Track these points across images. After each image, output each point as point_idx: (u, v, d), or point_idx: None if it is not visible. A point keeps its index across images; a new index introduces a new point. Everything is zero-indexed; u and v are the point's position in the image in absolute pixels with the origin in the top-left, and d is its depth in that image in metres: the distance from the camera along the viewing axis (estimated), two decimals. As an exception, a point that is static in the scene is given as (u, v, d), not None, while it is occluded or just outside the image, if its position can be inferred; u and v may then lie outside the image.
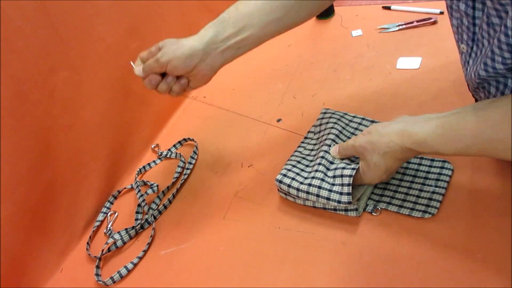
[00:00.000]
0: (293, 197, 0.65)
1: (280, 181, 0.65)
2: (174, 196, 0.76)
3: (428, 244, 0.55)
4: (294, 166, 0.67)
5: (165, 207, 0.75)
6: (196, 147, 0.84)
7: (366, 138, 0.58)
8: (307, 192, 0.61)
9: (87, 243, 0.72)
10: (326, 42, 1.05)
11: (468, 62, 0.58)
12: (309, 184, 0.62)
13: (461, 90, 0.73)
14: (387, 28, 0.98)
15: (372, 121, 0.70)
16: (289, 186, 0.63)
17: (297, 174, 0.65)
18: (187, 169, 0.80)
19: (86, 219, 0.77)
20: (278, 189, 0.67)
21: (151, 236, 0.69)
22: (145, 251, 0.68)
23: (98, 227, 0.76)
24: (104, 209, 0.78)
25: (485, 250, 0.52)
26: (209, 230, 0.68)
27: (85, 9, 0.73)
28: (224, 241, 0.65)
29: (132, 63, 0.66)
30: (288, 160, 0.69)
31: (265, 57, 1.07)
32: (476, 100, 0.63)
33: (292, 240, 0.62)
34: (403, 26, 0.97)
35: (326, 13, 1.14)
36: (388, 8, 1.07)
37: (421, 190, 0.61)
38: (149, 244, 0.69)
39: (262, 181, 0.72)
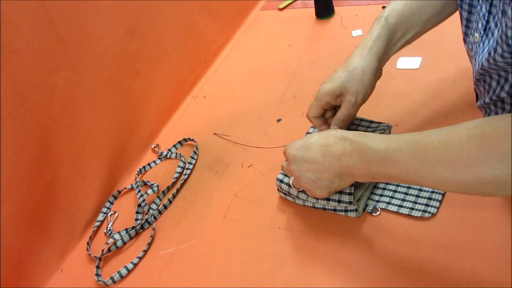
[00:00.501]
0: (293, 197, 0.65)
1: (281, 181, 0.65)
2: (174, 196, 0.76)
3: (428, 244, 0.55)
4: None
5: (165, 207, 0.75)
6: (196, 147, 0.84)
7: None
8: None
9: (87, 243, 0.72)
10: (326, 42, 1.05)
11: (477, 52, 0.57)
12: None
13: (461, 90, 0.73)
14: None
15: (371, 121, 0.70)
16: (290, 185, 0.64)
17: None
18: (187, 169, 0.80)
19: (86, 219, 0.77)
20: (278, 189, 0.67)
21: (151, 236, 0.69)
22: (145, 251, 0.68)
23: (98, 227, 0.76)
24: (104, 209, 0.78)
25: (485, 250, 0.52)
26: (209, 230, 0.68)
27: (85, 9, 0.74)
28: (224, 241, 0.65)
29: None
30: None
31: (265, 57, 1.07)
32: (477, 95, 0.62)
33: (292, 240, 0.62)
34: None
35: (326, 13, 1.14)
36: (388, 8, 1.07)
37: (420, 190, 0.61)
38: (149, 244, 0.69)
39: (262, 181, 0.72)
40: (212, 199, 0.73)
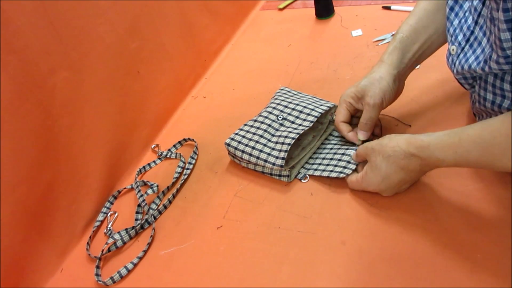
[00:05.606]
0: (239, 160, 0.74)
1: (229, 144, 0.74)
2: (174, 196, 0.76)
3: (428, 244, 0.55)
4: (242, 130, 0.76)
5: (165, 207, 0.75)
6: (196, 147, 0.84)
7: (378, 140, 0.59)
8: (250, 154, 0.71)
9: (87, 243, 0.72)
10: (326, 42, 1.05)
11: (455, 64, 0.58)
12: (253, 147, 0.71)
13: (462, 91, 0.73)
14: (384, 40, 0.97)
15: (320, 100, 0.77)
16: (235, 148, 0.73)
17: (243, 137, 0.74)
18: (187, 169, 0.80)
19: (86, 219, 0.77)
20: (228, 152, 0.76)
21: (151, 236, 0.69)
22: (145, 251, 0.68)
23: (98, 227, 0.76)
24: (104, 209, 0.78)
25: (485, 250, 0.52)
26: (209, 230, 0.68)
27: (85, 9, 0.74)
28: (224, 241, 0.65)
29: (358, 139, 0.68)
30: (239, 128, 0.77)
31: (265, 57, 1.07)
32: (471, 95, 0.63)
33: (292, 240, 0.62)
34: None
35: (326, 13, 1.14)
36: (388, 8, 1.07)
37: (340, 160, 0.67)
38: (149, 244, 0.69)
39: (262, 181, 0.72)
40: (212, 199, 0.73)
